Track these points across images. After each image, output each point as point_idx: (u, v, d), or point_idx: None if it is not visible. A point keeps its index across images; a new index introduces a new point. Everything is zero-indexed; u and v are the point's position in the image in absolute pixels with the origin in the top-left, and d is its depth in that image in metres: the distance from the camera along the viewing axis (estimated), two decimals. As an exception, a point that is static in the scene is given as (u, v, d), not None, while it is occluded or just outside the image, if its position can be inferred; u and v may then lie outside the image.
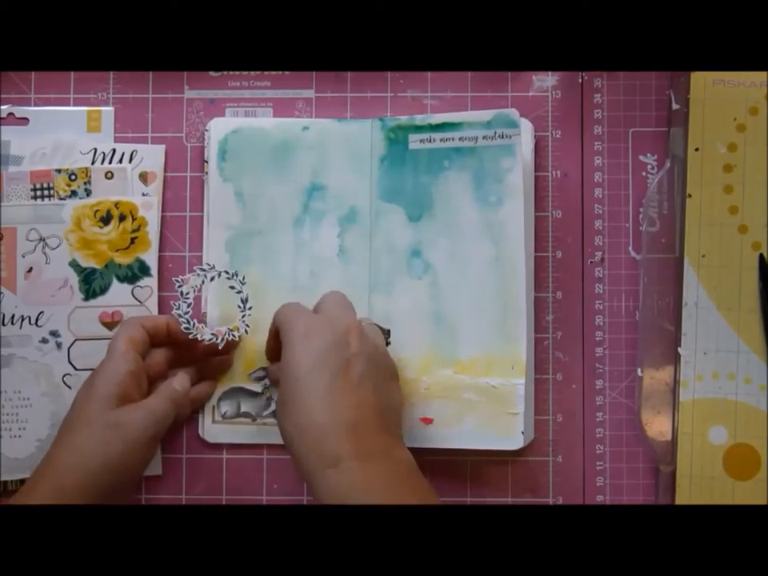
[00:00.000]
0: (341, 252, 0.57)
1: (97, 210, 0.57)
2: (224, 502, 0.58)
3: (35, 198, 0.57)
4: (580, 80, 0.59)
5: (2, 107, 0.58)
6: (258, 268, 0.58)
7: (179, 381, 0.54)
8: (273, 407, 0.57)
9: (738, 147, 0.56)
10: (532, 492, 0.58)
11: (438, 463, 0.53)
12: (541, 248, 0.58)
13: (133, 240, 0.58)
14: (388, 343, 0.54)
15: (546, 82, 0.59)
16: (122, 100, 0.59)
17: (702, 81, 0.56)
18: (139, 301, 0.57)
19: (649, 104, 0.59)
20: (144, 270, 0.57)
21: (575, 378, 0.58)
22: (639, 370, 0.57)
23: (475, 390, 0.55)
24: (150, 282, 0.58)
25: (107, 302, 0.57)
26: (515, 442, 0.55)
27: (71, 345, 0.57)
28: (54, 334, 0.57)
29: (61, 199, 0.58)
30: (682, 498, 0.56)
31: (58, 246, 0.57)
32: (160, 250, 0.58)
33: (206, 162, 0.58)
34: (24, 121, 0.59)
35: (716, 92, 0.56)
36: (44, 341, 0.57)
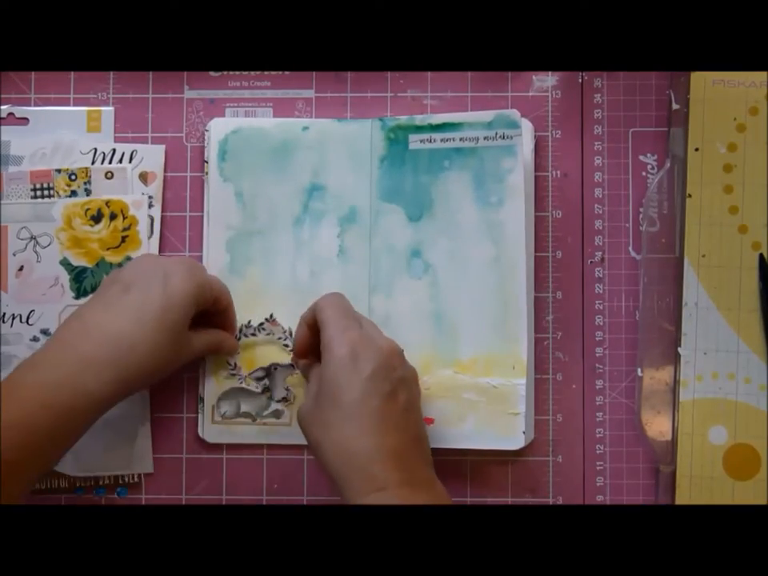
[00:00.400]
0: (341, 252, 0.57)
1: (87, 209, 0.57)
2: (224, 502, 0.58)
3: (35, 197, 0.57)
4: (580, 80, 0.59)
5: (2, 107, 0.58)
6: (258, 268, 0.58)
7: (233, 343, 0.57)
8: (273, 407, 0.57)
9: (738, 147, 0.56)
10: (532, 492, 0.58)
11: (438, 463, 0.53)
12: (541, 248, 0.58)
13: (123, 239, 0.57)
14: None
15: (545, 82, 0.59)
16: (122, 100, 0.59)
17: (702, 81, 0.56)
18: None
19: (649, 104, 0.59)
20: None
21: (575, 378, 0.58)
22: (639, 369, 0.57)
23: (476, 390, 0.55)
24: None
25: None
26: (516, 442, 0.55)
27: None
28: (45, 332, 0.57)
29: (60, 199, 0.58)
30: (682, 498, 0.56)
31: (48, 245, 0.57)
32: (160, 250, 0.58)
33: (206, 162, 0.58)
34: (24, 121, 0.58)
35: (716, 92, 0.56)
36: (35, 339, 0.57)
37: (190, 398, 0.58)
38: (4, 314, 0.57)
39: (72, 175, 0.58)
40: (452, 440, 0.55)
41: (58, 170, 0.58)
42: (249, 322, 0.57)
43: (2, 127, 0.58)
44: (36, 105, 0.59)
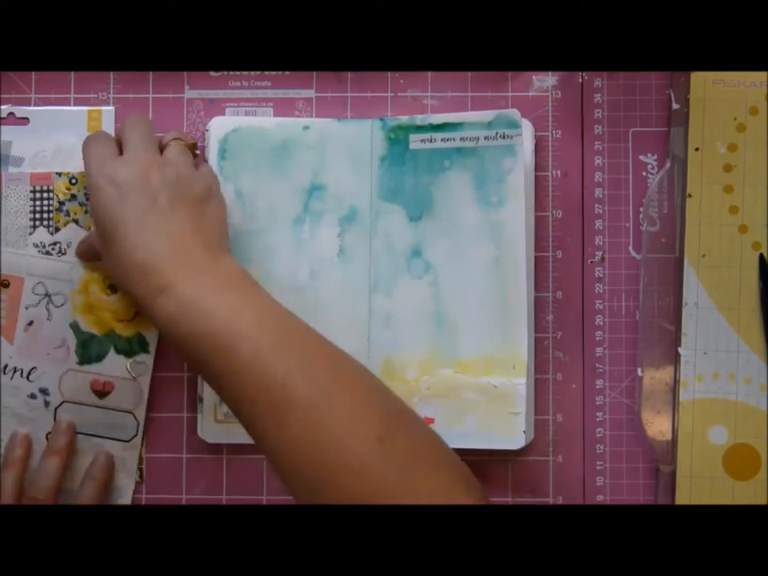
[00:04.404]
0: (341, 252, 0.57)
1: (106, 278, 0.57)
2: (224, 502, 0.58)
3: (34, 200, 0.57)
4: (580, 80, 0.59)
5: (2, 107, 0.58)
6: (258, 268, 0.57)
7: None
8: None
9: (738, 147, 0.56)
10: (532, 492, 0.58)
11: (438, 463, 0.53)
12: (541, 248, 0.58)
13: (136, 314, 0.57)
14: (195, 155, 0.55)
15: (545, 82, 0.59)
16: (122, 100, 0.59)
17: (702, 81, 0.57)
18: (133, 376, 0.57)
19: (649, 104, 0.59)
20: (143, 345, 0.57)
21: (575, 378, 0.58)
22: (639, 369, 0.57)
23: (476, 389, 0.55)
24: (146, 359, 0.57)
25: (101, 371, 0.57)
26: (516, 442, 0.55)
27: (59, 405, 0.56)
28: (44, 391, 0.56)
29: (59, 203, 0.57)
30: (682, 498, 0.56)
31: (62, 305, 0.57)
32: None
33: (206, 162, 0.58)
34: (24, 120, 0.58)
35: (716, 92, 0.56)
36: (32, 396, 0.56)
37: (189, 397, 0.58)
38: (6, 365, 0.56)
39: (72, 179, 0.57)
40: (452, 440, 0.55)
41: (59, 174, 0.58)
42: None
43: (3, 127, 0.58)
44: (36, 105, 0.59)
